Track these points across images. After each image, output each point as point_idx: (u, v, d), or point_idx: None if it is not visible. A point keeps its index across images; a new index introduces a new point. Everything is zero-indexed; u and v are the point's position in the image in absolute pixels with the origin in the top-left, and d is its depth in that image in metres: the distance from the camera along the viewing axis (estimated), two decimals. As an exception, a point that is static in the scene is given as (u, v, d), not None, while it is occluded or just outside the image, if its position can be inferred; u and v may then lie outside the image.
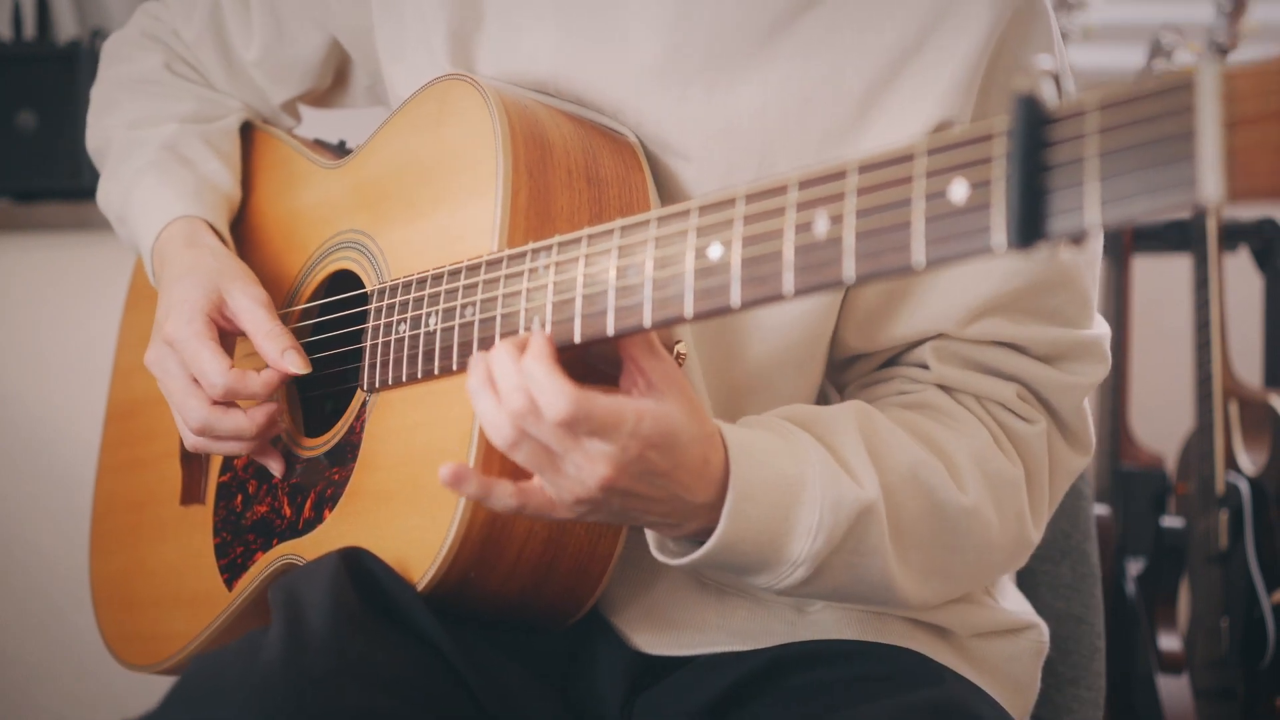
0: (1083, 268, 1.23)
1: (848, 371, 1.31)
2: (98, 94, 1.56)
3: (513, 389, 1.02)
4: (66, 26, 2.78)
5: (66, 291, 2.75)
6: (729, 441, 1.10)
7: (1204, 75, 0.69)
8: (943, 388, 1.25)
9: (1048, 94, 0.78)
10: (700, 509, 1.09)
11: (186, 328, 1.30)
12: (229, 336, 1.34)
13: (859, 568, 1.14)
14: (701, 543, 1.11)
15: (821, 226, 0.89)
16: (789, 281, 0.91)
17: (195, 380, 1.31)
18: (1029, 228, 0.77)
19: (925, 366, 1.25)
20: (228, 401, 1.30)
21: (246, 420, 1.29)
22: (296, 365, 1.28)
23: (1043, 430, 1.24)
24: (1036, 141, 0.77)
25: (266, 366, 1.30)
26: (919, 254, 0.84)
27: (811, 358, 1.26)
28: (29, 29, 2.75)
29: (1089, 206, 0.75)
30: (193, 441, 1.33)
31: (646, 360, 1.05)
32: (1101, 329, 1.26)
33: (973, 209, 0.81)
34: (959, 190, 0.82)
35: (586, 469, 1.03)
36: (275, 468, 1.34)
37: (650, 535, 1.14)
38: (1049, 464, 1.25)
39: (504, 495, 1.06)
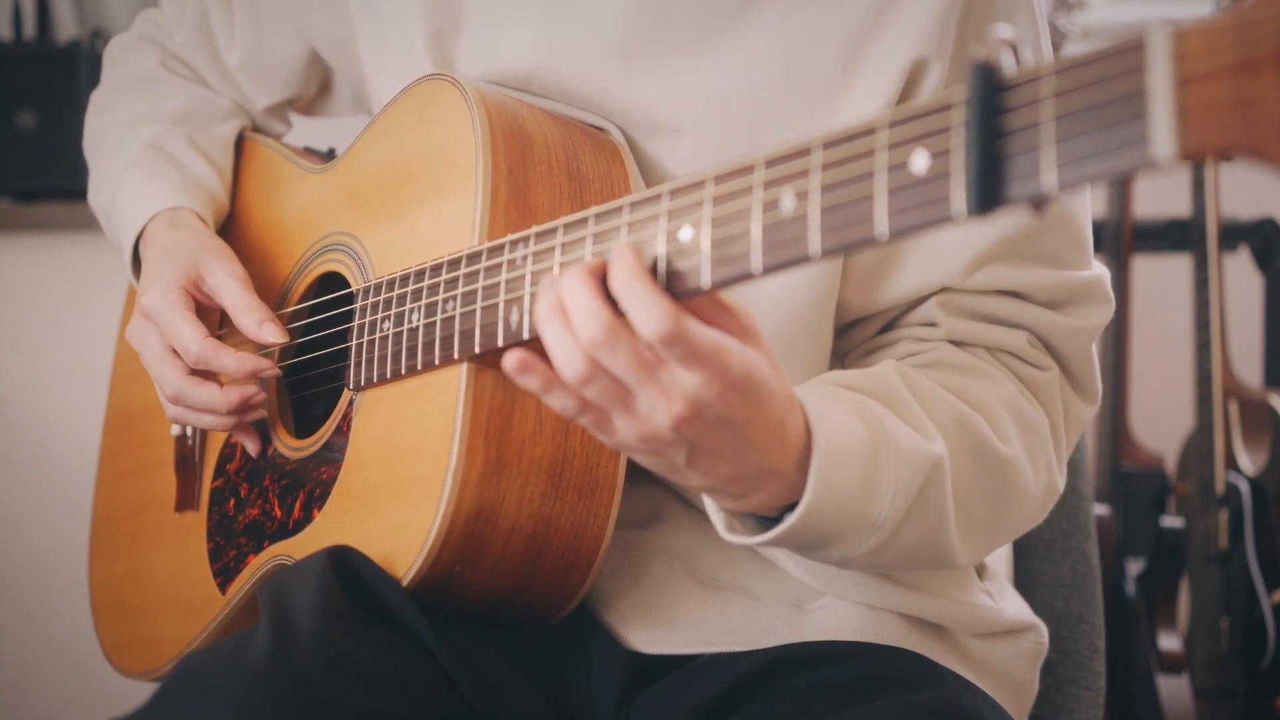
0: (1076, 208, 1.23)
1: (847, 338, 1.30)
2: (96, 96, 1.59)
3: (589, 317, 0.94)
4: (66, 26, 2.80)
5: (66, 291, 2.76)
6: (807, 406, 1.06)
7: (1154, 35, 0.70)
8: (954, 343, 1.24)
9: (1006, 61, 0.78)
10: (771, 477, 1.04)
11: (163, 299, 1.32)
12: (209, 313, 1.36)
13: (926, 528, 1.13)
14: (765, 519, 1.08)
15: (788, 204, 0.90)
16: (757, 260, 0.92)
17: (173, 350, 1.33)
18: (987, 194, 0.78)
19: (932, 324, 1.24)
20: (204, 374, 1.32)
21: (220, 395, 1.31)
22: (274, 335, 1.30)
23: (1055, 376, 1.24)
24: (993, 109, 0.77)
25: (256, 350, 1.31)
26: (882, 226, 0.84)
27: (819, 329, 1.25)
28: (29, 29, 2.77)
29: (1045, 170, 0.76)
30: (171, 411, 1.36)
31: (720, 316, 0.99)
32: (1100, 269, 1.26)
33: (933, 179, 0.82)
34: (920, 161, 0.82)
35: (661, 406, 0.96)
36: (251, 447, 1.35)
37: (716, 516, 1.09)
38: (1063, 412, 1.25)
39: (565, 395, 0.99)
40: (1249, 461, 2.63)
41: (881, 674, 1.19)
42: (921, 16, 1.19)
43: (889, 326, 1.28)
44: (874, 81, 1.20)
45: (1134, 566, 2.67)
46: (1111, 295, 1.26)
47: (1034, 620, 1.31)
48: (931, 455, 1.11)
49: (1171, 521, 2.67)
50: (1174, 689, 2.56)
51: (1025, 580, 1.57)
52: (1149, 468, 2.80)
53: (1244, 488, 2.61)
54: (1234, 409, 2.67)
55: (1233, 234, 2.76)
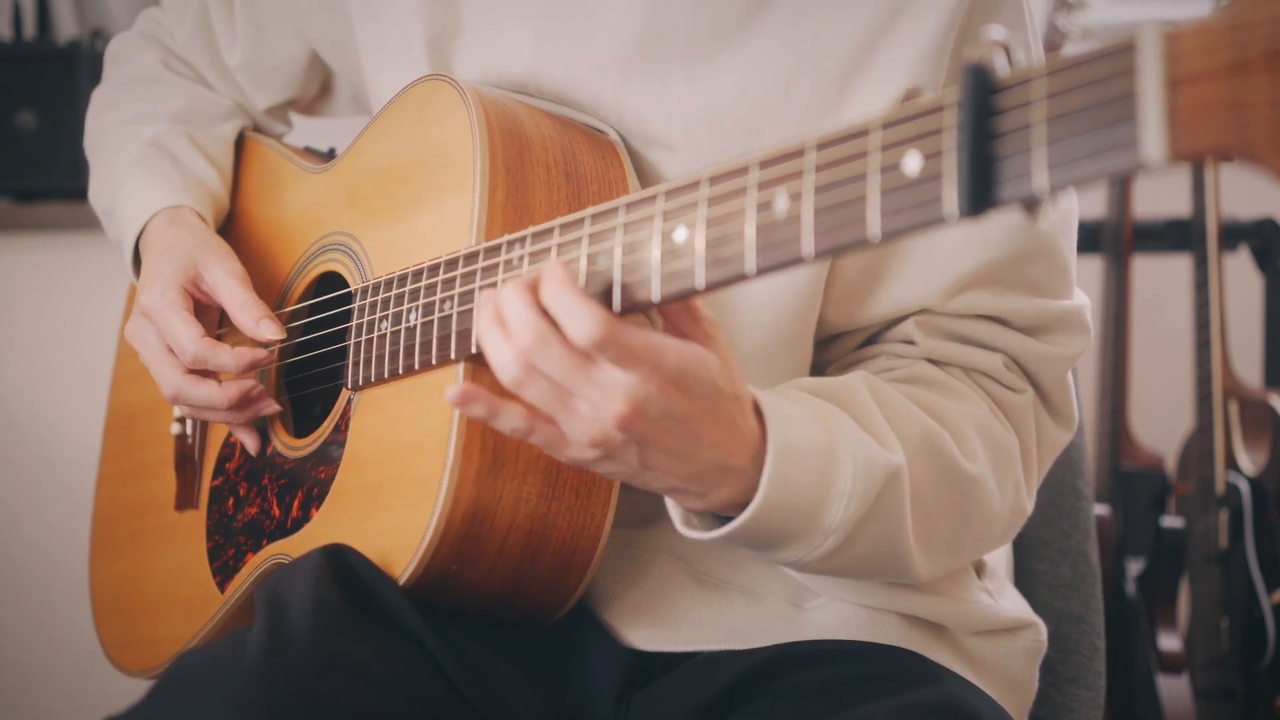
0: (1059, 237, 1.23)
1: (828, 351, 1.30)
2: (97, 95, 1.59)
3: (521, 325, 0.99)
4: (66, 26, 2.80)
5: (66, 291, 2.76)
6: (764, 405, 1.07)
7: (1146, 36, 0.69)
8: (931, 361, 1.24)
9: (999, 64, 0.78)
10: (728, 474, 1.05)
11: (161, 298, 1.33)
12: (208, 311, 1.37)
13: (882, 537, 1.13)
14: (725, 519, 1.09)
15: (782, 205, 0.90)
16: (751, 261, 0.92)
17: (171, 349, 1.33)
18: (979, 196, 0.78)
19: (910, 342, 1.25)
20: (202, 372, 1.32)
21: (219, 392, 1.31)
22: (271, 332, 1.30)
23: (1030, 400, 1.24)
24: (985, 110, 0.77)
25: (254, 346, 1.32)
26: (874, 227, 0.84)
27: (800, 341, 1.25)
28: (29, 29, 2.77)
29: (1036, 172, 0.75)
30: (177, 409, 1.38)
31: (688, 321, 1.02)
32: (1081, 299, 1.26)
33: (925, 180, 0.82)
34: (912, 162, 0.82)
35: (601, 406, 0.98)
36: (250, 446, 1.36)
37: (674, 510, 1.10)
38: (1035, 436, 1.25)
39: (512, 416, 1.02)
40: (1249, 461, 2.63)
41: (880, 673, 1.19)
42: (917, 45, 1.18)
43: (869, 341, 1.28)
44: (870, 106, 1.20)
45: (1134, 566, 2.66)
46: (1090, 326, 1.27)
47: (1032, 618, 1.31)
48: (890, 464, 1.12)
49: (1171, 521, 2.66)
50: (1174, 689, 2.56)
51: (1025, 580, 1.57)
52: (1149, 468, 2.80)
53: (1244, 488, 2.60)
54: (1234, 409, 2.66)
55: (1233, 234, 2.75)
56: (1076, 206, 1.28)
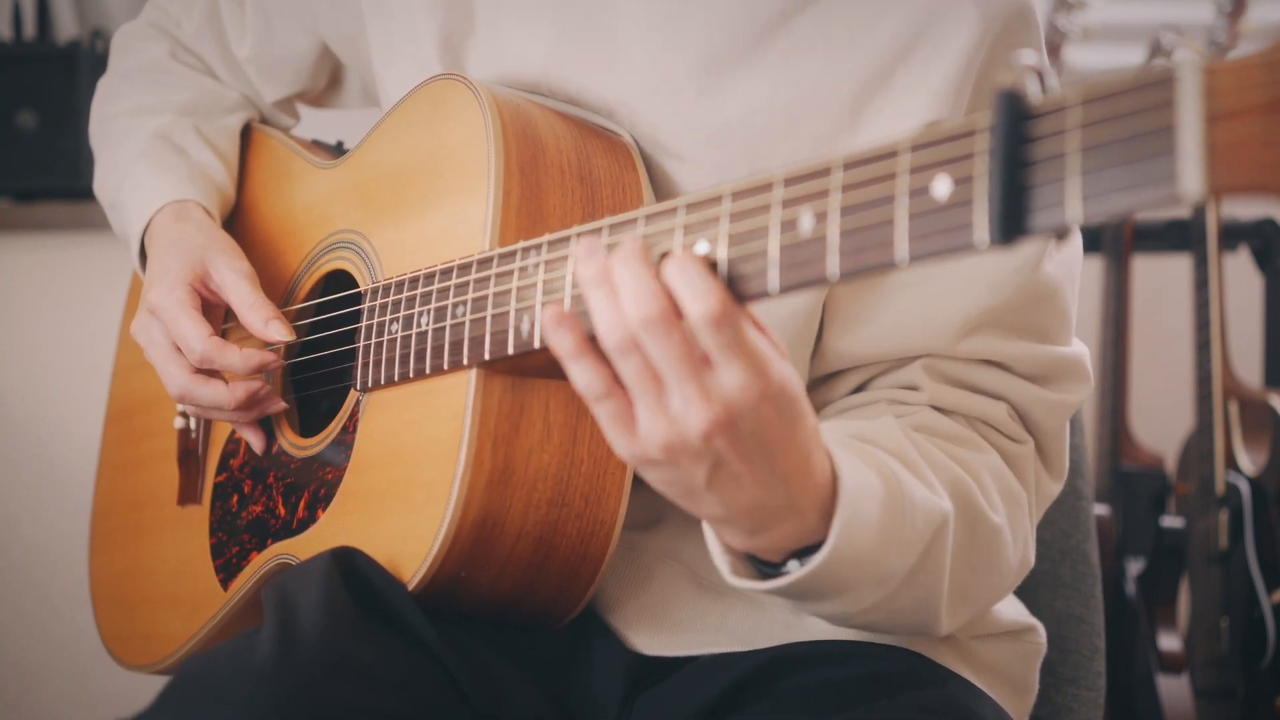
0: (1064, 283, 1.22)
1: (819, 393, 1.27)
2: (103, 84, 1.58)
3: (645, 293, 0.92)
4: (66, 26, 2.79)
5: (66, 291, 2.75)
6: (832, 451, 1.03)
7: (1185, 70, 0.69)
8: (936, 409, 1.22)
9: (1031, 90, 0.78)
10: (791, 516, 1.01)
11: (169, 296, 1.32)
12: (215, 309, 1.36)
13: (925, 587, 1.11)
14: (764, 563, 1.06)
15: (806, 224, 0.89)
16: (774, 279, 0.90)
17: (178, 348, 1.32)
18: (1011, 224, 0.77)
19: (913, 388, 1.22)
20: (209, 372, 1.31)
21: (226, 393, 1.30)
22: (280, 333, 1.29)
23: (1030, 451, 1.23)
24: (1018, 137, 0.77)
25: (261, 346, 1.31)
26: (902, 251, 0.83)
27: (798, 361, 1.24)
28: (29, 29, 2.76)
29: (1070, 202, 0.75)
30: (181, 406, 1.37)
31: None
32: (1080, 347, 1.25)
33: (955, 205, 0.81)
34: (942, 186, 0.81)
35: (696, 407, 0.92)
36: (256, 444, 1.35)
37: (722, 561, 1.05)
38: (1035, 486, 1.24)
39: (595, 370, 0.95)
40: (1249, 461, 2.64)
41: (883, 673, 1.19)
42: (934, 80, 1.17)
43: (862, 388, 1.26)
44: (882, 134, 1.18)
45: (1134, 566, 2.67)
46: (1090, 374, 1.25)
47: (1031, 621, 1.31)
48: (941, 510, 1.10)
49: (1171, 521, 2.67)
50: (1174, 689, 2.56)
51: (1025, 580, 1.56)
52: (1149, 468, 2.80)
53: (1244, 488, 2.61)
54: (1234, 409, 2.67)
55: (1233, 234, 2.76)
56: (1081, 252, 1.26)
